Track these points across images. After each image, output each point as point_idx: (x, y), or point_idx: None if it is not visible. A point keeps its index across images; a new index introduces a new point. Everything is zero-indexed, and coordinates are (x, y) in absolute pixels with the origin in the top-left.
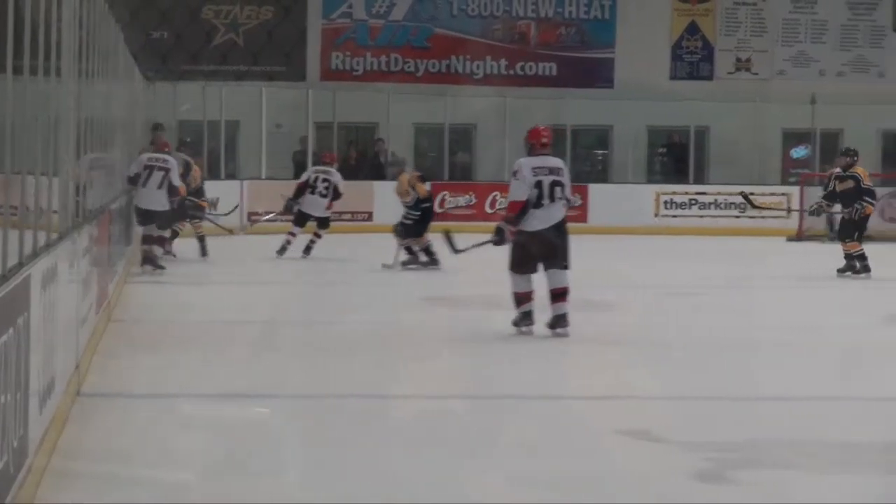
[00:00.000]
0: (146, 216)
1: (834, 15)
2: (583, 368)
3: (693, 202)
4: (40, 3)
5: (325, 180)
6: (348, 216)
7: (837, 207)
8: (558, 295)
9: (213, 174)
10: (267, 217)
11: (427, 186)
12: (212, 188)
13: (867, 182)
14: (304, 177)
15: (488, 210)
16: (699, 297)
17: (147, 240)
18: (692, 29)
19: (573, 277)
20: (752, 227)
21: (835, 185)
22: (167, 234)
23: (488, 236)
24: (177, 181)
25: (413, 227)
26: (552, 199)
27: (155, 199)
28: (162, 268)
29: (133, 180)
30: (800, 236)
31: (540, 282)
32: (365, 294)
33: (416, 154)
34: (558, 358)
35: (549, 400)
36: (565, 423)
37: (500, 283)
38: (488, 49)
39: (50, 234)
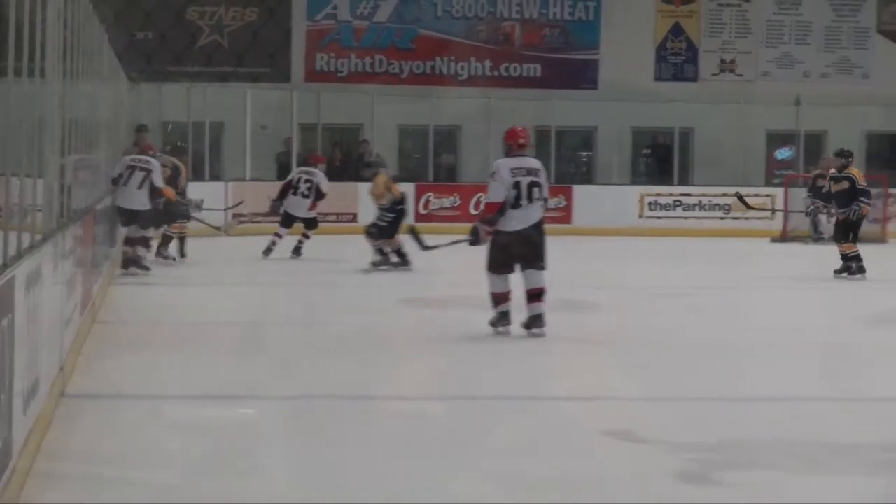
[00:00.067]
0: (127, 216)
1: (818, 16)
2: (567, 369)
3: (677, 203)
4: (25, 3)
5: (307, 181)
6: (333, 217)
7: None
8: (535, 295)
9: (198, 175)
10: (235, 206)
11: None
12: (196, 189)
13: (862, 183)
14: (289, 177)
15: (473, 211)
16: (684, 299)
17: (129, 241)
18: (676, 30)
19: (558, 278)
20: (736, 228)
21: (830, 186)
22: (150, 233)
23: (462, 236)
24: (159, 182)
25: (387, 229)
26: (530, 199)
27: (135, 198)
28: (147, 269)
29: (116, 181)
30: (784, 237)
31: (517, 282)
32: (349, 295)
33: (400, 155)
34: (543, 359)
35: (533, 401)
36: (550, 424)
37: (482, 285)
38: (473, 50)
39: (34, 235)
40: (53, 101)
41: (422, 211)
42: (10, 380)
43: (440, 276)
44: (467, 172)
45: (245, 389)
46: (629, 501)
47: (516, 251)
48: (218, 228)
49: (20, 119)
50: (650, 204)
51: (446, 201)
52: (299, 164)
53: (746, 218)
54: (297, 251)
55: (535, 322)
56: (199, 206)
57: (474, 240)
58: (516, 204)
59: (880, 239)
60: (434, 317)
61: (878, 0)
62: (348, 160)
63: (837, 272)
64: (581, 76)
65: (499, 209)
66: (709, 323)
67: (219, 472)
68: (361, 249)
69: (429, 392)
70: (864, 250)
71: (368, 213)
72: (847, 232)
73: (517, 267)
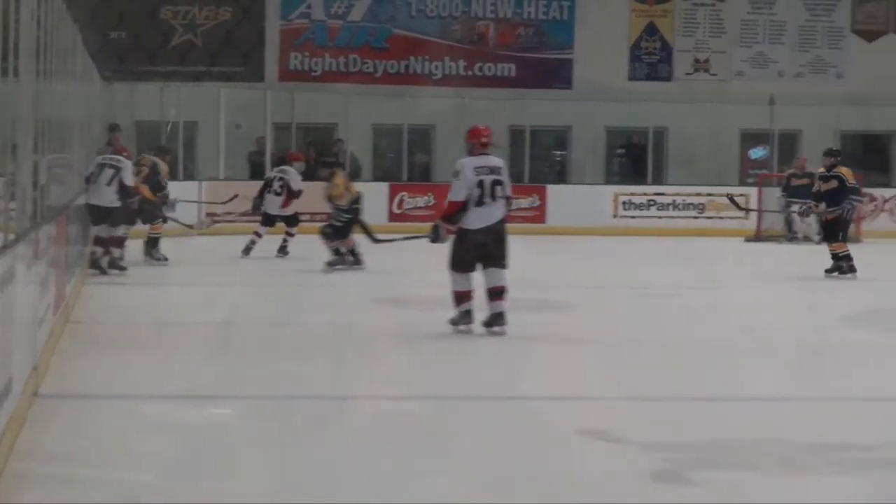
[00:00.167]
0: (98, 213)
1: (792, 16)
2: (542, 369)
3: (651, 203)
4: None
5: (280, 179)
6: (307, 217)
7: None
8: (496, 293)
9: (172, 174)
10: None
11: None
12: (170, 188)
13: (851, 181)
14: (266, 176)
15: None
16: (659, 298)
17: (99, 242)
18: (650, 30)
19: (532, 278)
20: (710, 227)
21: (819, 186)
22: (121, 232)
23: (417, 234)
24: (128, 181)
25: (342, 229)
26: (493, 197)
27: (105, 195)
28: (123, 269)
29: (88, 180)
30: (758, 237)
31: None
32: (321, 295)
33: (374, 154)
34: (517, 358)
35: (508, 400)
36: (524, 424)
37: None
38: (447, 50)
39: (7, 235)
40: (27, 101)
41: (396, 210)
42: None
43: (415, 276)
44: (441, 172)
45: (219, 389)
46: (604, 501)
47: (479, 250)
48: (190, 227)
49: None
50: (624, 203)
51: (420, 201)
52: (274, 164)
53: (720, 217)
54: (282, 250)
55: (496, 320)
56: (174, 205)
57: (434, 237)
58: (480, 202)
59: (855, 239)
60: (409, 316)
61: (853, 0)
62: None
63: (828, 271)
64: (555, 76)
65: (460, 208)
66: (684, 322)
67: (193, 472)
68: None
69: (404, 391)
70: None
71: None
72: (837, 231)
73: (479, 266)
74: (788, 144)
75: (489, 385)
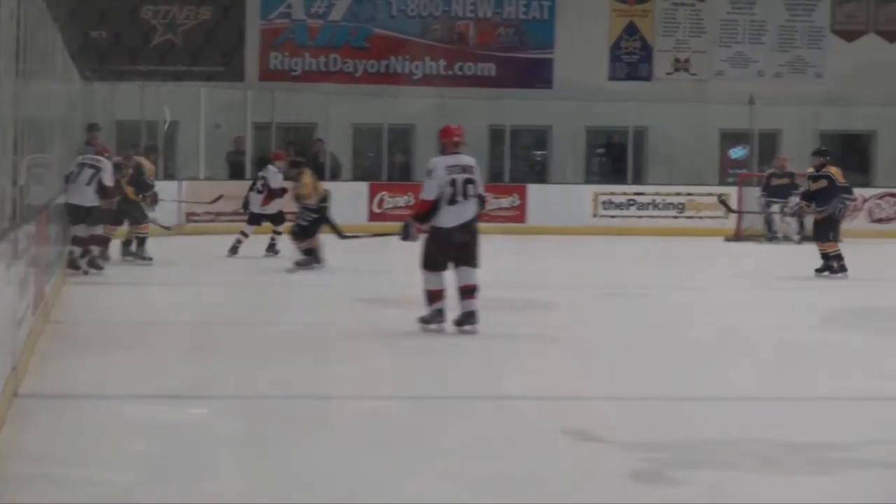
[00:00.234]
0: (77, 213)
1: (772, 16)
2: (523, 368)
3: (631, 202)
4: None
5: (261, 177)
6: (288, 216)
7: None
8: (468, 292)
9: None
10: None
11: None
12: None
13: (841, 180)
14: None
15: None
16: (639, 298)
17: (77, 241)
18: (631, 30)
19: (512, 277)
20: (689, 227)
21: (809, 186)
22: (99, 231)
23: (385, 232)
24: (107, 181)
25: (308, 228)
26: (465, 196)
27: (85, 195)
28: (101, 268)
29: (68, 179)
30: (738, 237)
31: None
32: (301, 294)
33: (354, 154)
34: (498, 358)
35: (488, 400)
36: (505, 423)
37: None
38: (427, 49)
39: None
40: (6, 101)
41: (376, 210)
42: None
43: (397, 276)
44: (421, 172)
45: (199, 389)
46: (585, 501)
47: (451, 248)
48: (168, 228)
49: None
50: (604, 203)
51: (400, 200)
52: (254, 163)
53: (700, 217)
54: (271, 248)
55: (467, 319)
56: (154, 205)
57: (405, 236)
58: (452, 200)
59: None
60: (389, 316)
61: (832, 0)
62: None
63: (818, 271)
64: (535, 75)
65: (431, 207)
66: (664, 322)
67: (172, 473)
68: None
69: (384, 391)
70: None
71: None
72: (828, 231)
73: (451, 265)
74: (768, 144)
75: (470, 385)
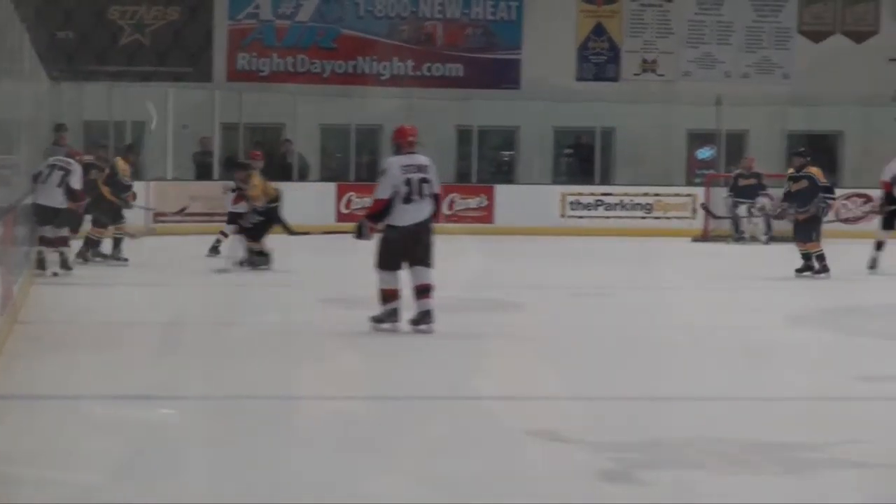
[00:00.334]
0: (45, 214)
1: (739, 17)
2: (491, 368)
3: (599, 203)
4: None
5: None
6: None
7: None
8: (423, 291)
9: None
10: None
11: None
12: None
13: (823, 180)
14: None
15: None
16: (607, 298)
17: (45, 242)
18: (598, 30)
19: (480, 278)
20: (657, 227)
21: (790, 186)
22: (65, 232)
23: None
24: (75, 184)
25: (255, 230)
26: (421, 195)
27: (54, 196)
28: (69, 269)
29: (36, 178)
30: (705, 237)
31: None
32: (266, 295)
33: (322, 154)
34: (466, 358)
35: (456, 400)
36: (473, 423)
37: (404, 284)
38: (395, 50)
39: None
40: None
41: (343, 210)
42: None
43: (359, 275)
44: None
45: (166, 390)
46: (552, 501)
47: (405, 248)
48: (132, 236)
49: None
50: (572, 203)
51: (368, 201)
52: (221, 164)
53: (668, 217)
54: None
55: (423, 318)
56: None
57: (359, 235)
58: (408, 199)
59: None
60: (356, 316)
61: (800, 0)
62: (270, 160)
63: (799, 271)
64: (503, 76)
65: (385, 206)
66: (632, 322)
67: (139, 473)
68: (281, 249)
69: (351, 391)
70: (788, 251)
71: (289, 213)
72: (810, 231)
73: (405, 264)
74: (735, 145)
75: (437, 385)
